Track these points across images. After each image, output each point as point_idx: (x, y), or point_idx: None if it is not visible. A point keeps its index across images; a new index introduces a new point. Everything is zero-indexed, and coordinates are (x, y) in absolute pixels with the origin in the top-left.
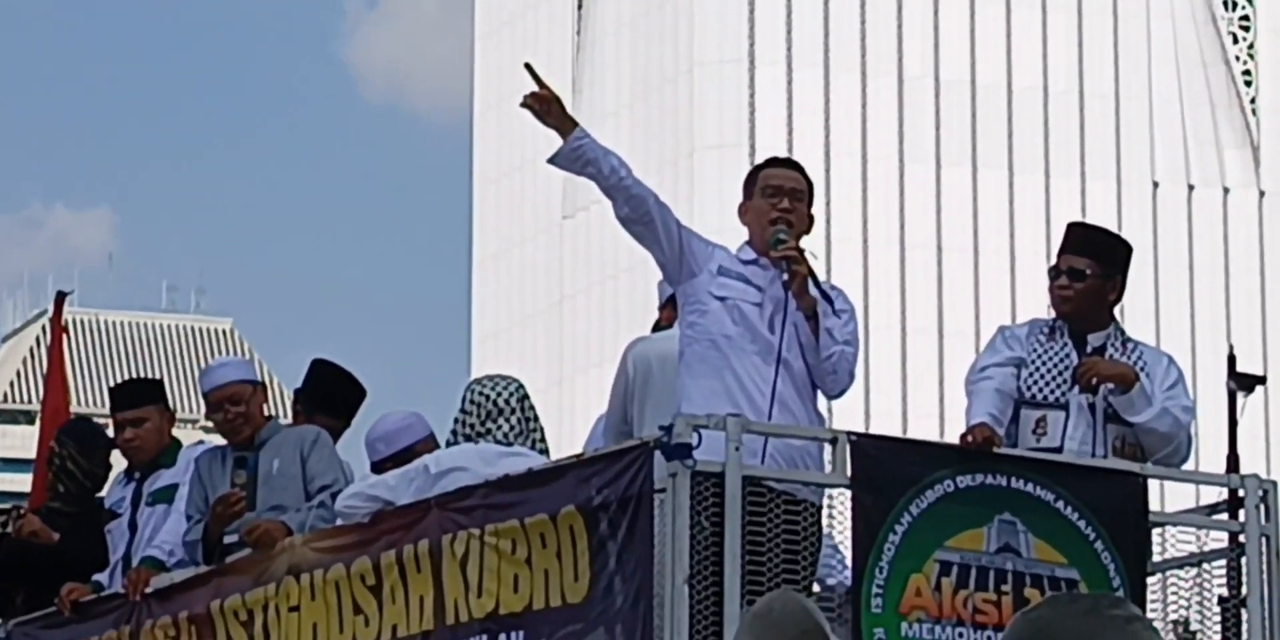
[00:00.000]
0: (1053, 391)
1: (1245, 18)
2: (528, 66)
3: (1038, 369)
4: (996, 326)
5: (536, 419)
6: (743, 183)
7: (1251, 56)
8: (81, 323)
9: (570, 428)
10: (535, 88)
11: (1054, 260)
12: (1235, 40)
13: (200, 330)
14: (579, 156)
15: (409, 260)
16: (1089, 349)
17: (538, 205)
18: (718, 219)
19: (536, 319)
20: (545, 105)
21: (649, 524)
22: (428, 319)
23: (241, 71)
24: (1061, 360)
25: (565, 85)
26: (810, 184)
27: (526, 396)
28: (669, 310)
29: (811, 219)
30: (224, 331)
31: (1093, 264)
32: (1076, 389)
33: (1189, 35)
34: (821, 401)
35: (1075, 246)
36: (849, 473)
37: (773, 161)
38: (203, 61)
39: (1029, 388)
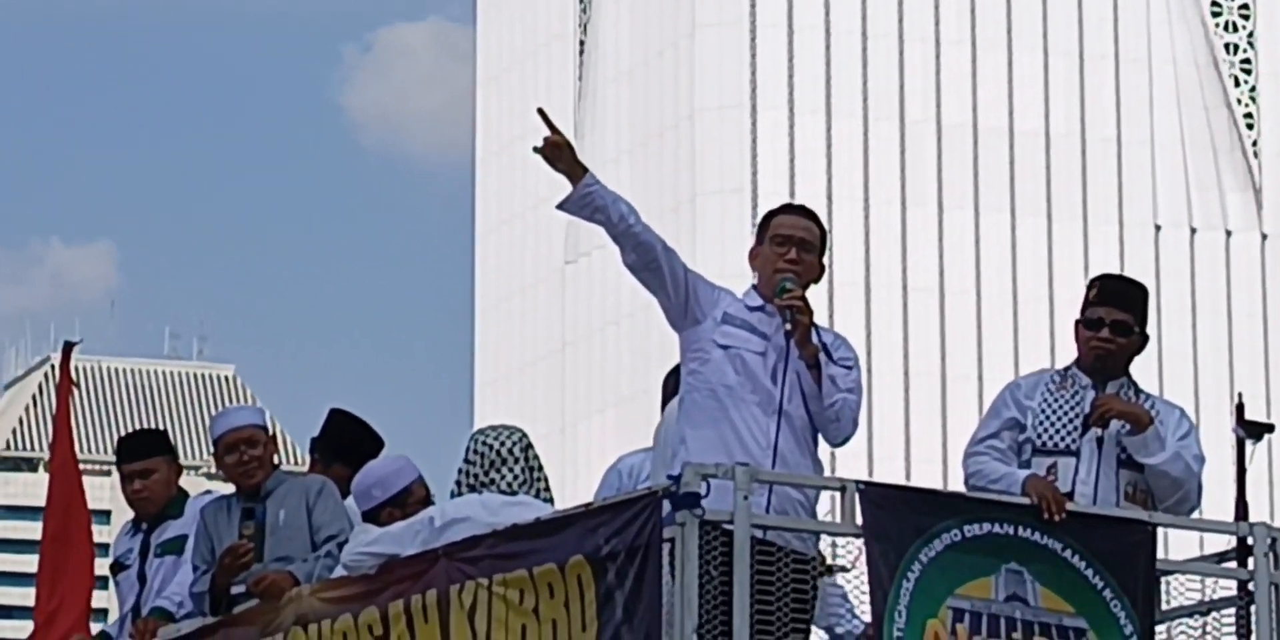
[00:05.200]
0: (1064, 438)
1: (1247, 61)
2: (540, 112)
3: (1049, 417)
4: (1002, 379)
5: (541, 468)
6: (756, 227)
7: (1253, 100)
8: (84, 369)
9: (573, 474)
10: (548, 132)
11: (1076, 309)
12: (1237, 84)
13: (203, 377)
14: (589, 203)
15: (411, 306)
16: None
17: (539, 251)
18: (719, 264)
19: (538, 365)
20: (557, 151)
21: (657, 574)
22: (430, 365)
23: (238, 115)
24: (1074, 407)
25: (567, 132)
26: (823, 232)
27: (530, 446)
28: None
29: (822, 268)
30: (226, 378)
31: (1134, 319)
32: (1090, 433)
33: (1191, 79)
34: (823, 448)
35: (1117, 299)
36: (858, 521)
37: (786, 208)
38: (201, 103)
39: (1040, 435)
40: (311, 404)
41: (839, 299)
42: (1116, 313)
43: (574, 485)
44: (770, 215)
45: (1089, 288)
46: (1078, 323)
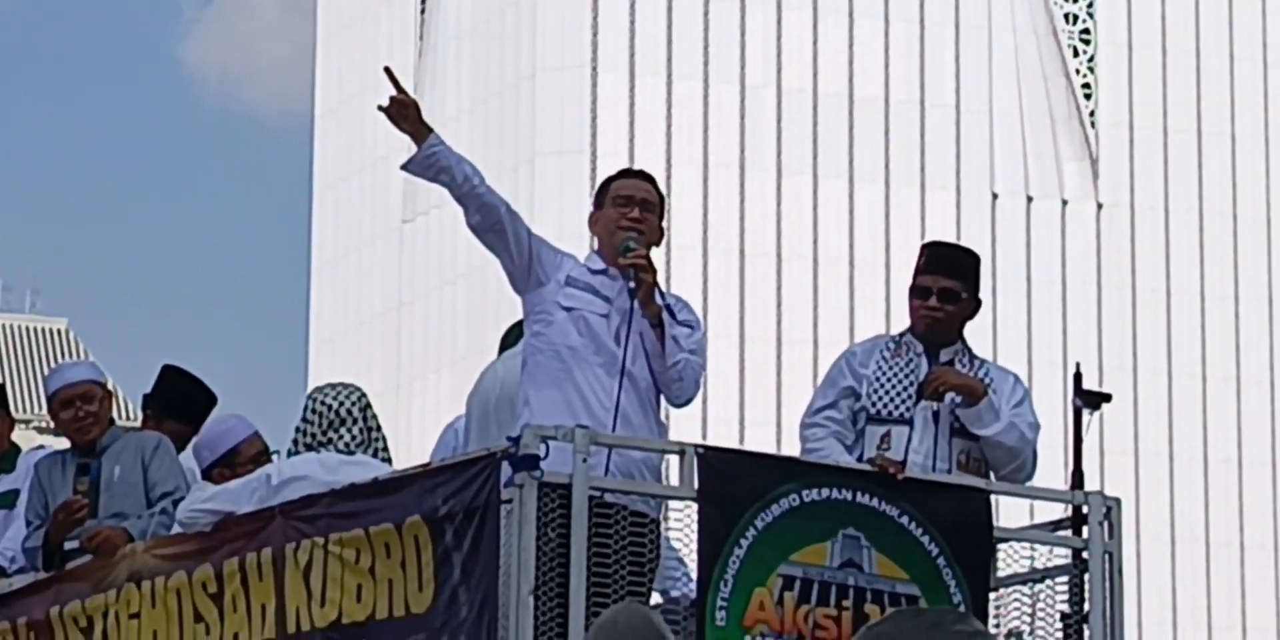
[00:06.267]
0: (898, 407)
1: (1086, 31)
2: (387, 70)
3: (883, 385)
4: (838, 344)
5: (379, 428)
6: (594, 194)
7: (1091, 70)
8: None
9: (407, 432)
10: (393, 91)
11: (910, 276)
12: (1076, 54)
13: (35, 330)
14: (433, 164)
15: (247, 263)
16: (939, 363)
17: (377, 209)
18: (558, 225)
19: (375, 323)
20: (403, 110)
21: (495, 535)
22: (265, 322)
23: (72, 68)
24: (908, 376)
25: (407, 90)
26: (661, 196)
27: (369, 405)
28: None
29: (662, 231)
30: (59, 332)
31: (962, 285)
32: (923, 403)
33: (1030, 48)
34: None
35: (944, 267)
36: (695, 485)
37: (625, 173)
38: (35, 54)
39: (874, 404)
40: (145, 359)
41: (676, 262)
42: (944, 280)
43: (407, 443)
44: (609, 180)
45: (919, 256)
46: (909, 291)
